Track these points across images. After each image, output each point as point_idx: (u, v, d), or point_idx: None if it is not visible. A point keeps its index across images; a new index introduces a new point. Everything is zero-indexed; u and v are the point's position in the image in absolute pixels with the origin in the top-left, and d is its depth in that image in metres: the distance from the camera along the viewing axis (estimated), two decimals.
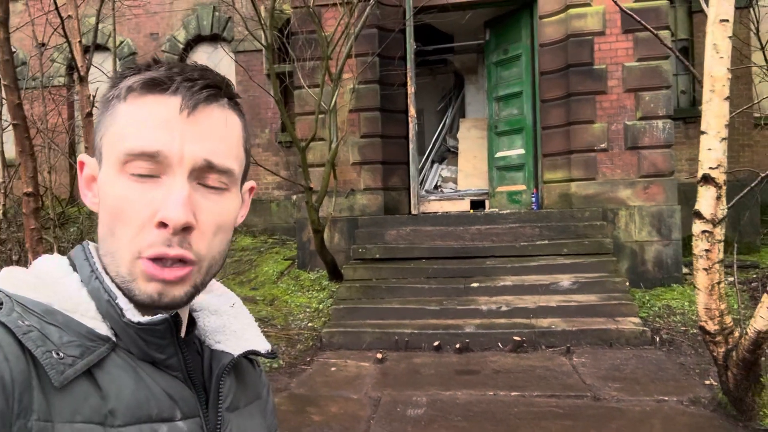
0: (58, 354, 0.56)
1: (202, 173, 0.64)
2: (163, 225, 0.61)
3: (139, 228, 0.61)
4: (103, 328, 0.62)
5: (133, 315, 0.63)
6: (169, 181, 0.62)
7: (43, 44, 6.77)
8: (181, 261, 0.62)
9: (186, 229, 0.62)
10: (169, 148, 0.61)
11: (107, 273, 0.65)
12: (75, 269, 0.66)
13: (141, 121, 0.62)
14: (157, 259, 0.61)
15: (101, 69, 6.80)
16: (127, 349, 0.63)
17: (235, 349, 0.73)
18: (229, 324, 0.77)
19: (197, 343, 0.74)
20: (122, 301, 0.63)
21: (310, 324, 6.18)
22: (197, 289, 0.66)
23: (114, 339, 0.63)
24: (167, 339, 0.65)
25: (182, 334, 0.69)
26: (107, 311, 0.63)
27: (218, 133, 0.65)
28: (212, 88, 0.65)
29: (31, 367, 0.55)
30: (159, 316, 0.63)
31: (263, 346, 0.76)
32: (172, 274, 0.62)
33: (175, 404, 0.64)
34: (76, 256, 0.68)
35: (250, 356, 0.76)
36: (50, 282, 0.64)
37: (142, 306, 0.64)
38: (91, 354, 0.59)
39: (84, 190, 0.70)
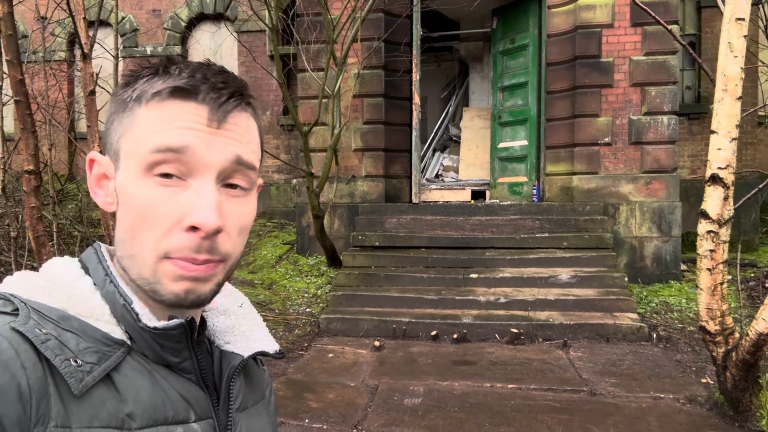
0: (76, 362, 0.56)
1: (229, 175, 0.64)
2: (193, 229, 0.60)
3: (165, 232, 0.61)
4: (118, 332, 0.62)
5: (149, 320, 0.63)
6: (197, 184, 0.61)
7: (45, 18, 6.66)
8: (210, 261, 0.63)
9: (215, 232, 0.61)
10: (198, 146, 0.61)
11: (128, 274, 0.64)
12: (87, 272, 0.66)
13: (167, 122, 0.61)
14: (187, 259, 0.61)
15: (103, 45, 6.71)
16: (141, 352, 0.64)
17: (245, 350, 0.74)
18: (238, 324, 0.77)
19: (207, 343, 0.74)
20: (137, 306, 0.63)
21: (308, 309, 6.18)
22: (219, 287, 0.66)
23: (129, 343, 0.63)
24: (182, 343, 0.65)
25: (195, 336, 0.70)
26: (122, 315, 0.63)
27: (242, 138, 0.65)
28: (237, 97, 0.64)
29: (48, 374, 0.55)
30: (175, 321, 0.63)
31: (272, 346, 0.77)
32: (204, 269, 0.62)
33: (189, 406, 0.64)
34: (88, 259, 0.67)
35: (257, 356, 0.77)
36: (63, 286, 0.63)
37: (167, 305, 0.63)
38: (108, 359, 0.59)
39: (94, 188, 0.68)
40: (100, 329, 0.61)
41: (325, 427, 3.69)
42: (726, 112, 3.26)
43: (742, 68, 3.23)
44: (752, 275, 6.79)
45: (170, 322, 0.63)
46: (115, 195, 0.65)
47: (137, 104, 0.63)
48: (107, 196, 0.66)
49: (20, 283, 0.62)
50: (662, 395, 4.12)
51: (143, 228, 0.61)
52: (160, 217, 0.60)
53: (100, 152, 0.69)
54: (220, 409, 0.69)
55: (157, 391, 0.61)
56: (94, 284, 0.64)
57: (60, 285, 0.63)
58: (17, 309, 0.57)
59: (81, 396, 0.55)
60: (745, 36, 3.22)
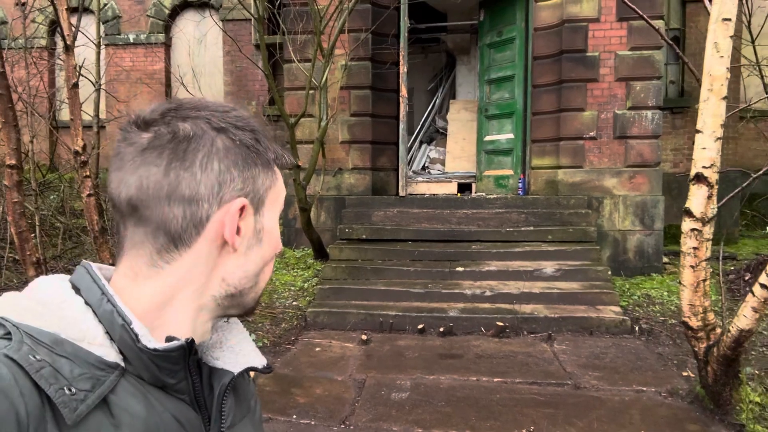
0: (70, 390, 0.56)
1: None
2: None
3: None
4: (111, 355, 0.62)
5: (148, 341, 0.62)
6: None
7: (25, 4, 6.51)
8: None
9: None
10: None
11: (230, 302, 0.72)
12: (77, 292, 0.65)
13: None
14: None
15: (86, 34, 6.58)
16: (136, 374, 0.63)
17: (234, 366, 0.74)
18: (226, 339, 0.78)
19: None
20: (137, 326, 0.62)
21: (294, 303, 6.17)
22: None
23: (123, 365, 0.62)
24: (180, 364, 0.65)
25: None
26: (120, 336, 0.62)
27: None
28: None
29: (44, 400, 0.55)
30: (175, 343, 0.63)
31: (260, 361, 0.77)
32: None
33: (182, 427, 0.65)
34: (79, 279, 0.66)
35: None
36: (53, 308, 0.62)
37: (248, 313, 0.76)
38: (102, 385, 0.59)
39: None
40: (93, 353, 0.60)
41: (312, 422, 3.70)
42: (711, 112, 3.31)
43: (727, 68, 3.27)
44: (732, 268, 6.91)
45: (171, 343, 0.63)
46: (253, 233, 0.71)
47: (275, 165, 0.74)
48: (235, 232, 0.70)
49: (10, 306, 0.61)
50: (644, 388, 4.19)
51: (273, 260, 0.77)
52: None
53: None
54: (211, 428, 0.69)
55: (151, 415, 0.61)
56: (86, 304, 0.63)
57: (50, 307, 0.62)
58: (9, 333, 0.57)
59: (77, 424, 0.55)
60: (731, 36, 3.26)
